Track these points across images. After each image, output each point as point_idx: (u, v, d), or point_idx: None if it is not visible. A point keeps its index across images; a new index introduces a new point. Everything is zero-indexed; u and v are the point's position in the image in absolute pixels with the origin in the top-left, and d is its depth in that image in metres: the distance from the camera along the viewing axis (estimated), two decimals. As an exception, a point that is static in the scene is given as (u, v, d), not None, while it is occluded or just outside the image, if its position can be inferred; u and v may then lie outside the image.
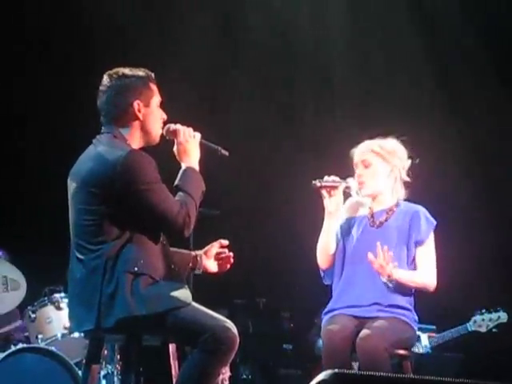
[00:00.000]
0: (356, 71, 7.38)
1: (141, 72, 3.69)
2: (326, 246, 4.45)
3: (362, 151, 4.45)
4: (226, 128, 6.95)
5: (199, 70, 7.16)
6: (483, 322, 5.67)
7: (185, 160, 3.71)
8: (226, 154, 3.89)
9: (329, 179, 4.38)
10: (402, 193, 4.47)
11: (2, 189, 6.86)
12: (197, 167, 3.71)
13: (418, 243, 4.37)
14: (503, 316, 5.71)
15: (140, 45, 6.90)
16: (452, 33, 7.13)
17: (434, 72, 7.25)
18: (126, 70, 3.68)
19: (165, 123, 3.76)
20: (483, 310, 5.71)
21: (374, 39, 7.31)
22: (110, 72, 3.69)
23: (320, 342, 6.46)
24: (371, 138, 4.50)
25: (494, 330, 5.71)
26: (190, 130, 3.76)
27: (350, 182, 4.42)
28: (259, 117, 7.51)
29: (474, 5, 6.92)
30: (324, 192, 4.37)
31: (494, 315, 5.69)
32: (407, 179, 4.46)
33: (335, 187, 4.37)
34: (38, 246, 6.55)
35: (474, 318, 5.70)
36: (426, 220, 4.39)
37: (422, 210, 4.43)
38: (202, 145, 3.79)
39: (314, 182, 4.37)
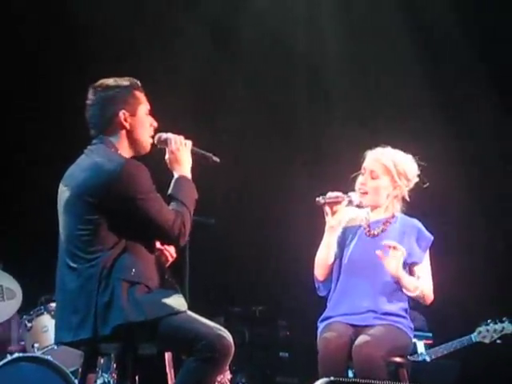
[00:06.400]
0: (354, 81, 7.36)
1: (125, 81, 3.70)
2: (325, 260, 4.44)
3: (375, 160, 4.44)
4: (221, 137, 6.96)
5: (192, 76, 7.15)
6: (488, 332, 5.51)
7: (177, 169, 3.73)
8: (217, 160, 3.90)
9: (332, 195, 4.37)
10: (398, 206, 4.48)
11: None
12: (189, 175, 3.73)
13: (415, 264, 4.37)
14: (508, 327, 5.51)
15: (132, 55, 6.89)
16: (450, 45, 7.12)
17: (432, 80, 7.22)
18: (110, 81, 3.69)
19: (156, 131, 3.77)
20: (488, 321, 5.57)
21: (371, 51, 7.28)
22: (95, 84, 3.70)
23: None
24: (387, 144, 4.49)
25: (498, 341, 5.58)
26: (181, 138, 3.77)
27: (352, 196, 4.41)
28: (255, 126, 7.51)
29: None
30: (327, 208, 4.37)
31: (498, 326, 5.49)
32: (407, 198, 4.46)
33: (338, 202, 4.37)
34: (34, 254, 6.53)
35: (478, 329, 5.53)
36: (422, 239, 4.39)
37: (418, 225, 4.43)
38: (193, 152, 3.80)
39: (317, 199, 4.37)
